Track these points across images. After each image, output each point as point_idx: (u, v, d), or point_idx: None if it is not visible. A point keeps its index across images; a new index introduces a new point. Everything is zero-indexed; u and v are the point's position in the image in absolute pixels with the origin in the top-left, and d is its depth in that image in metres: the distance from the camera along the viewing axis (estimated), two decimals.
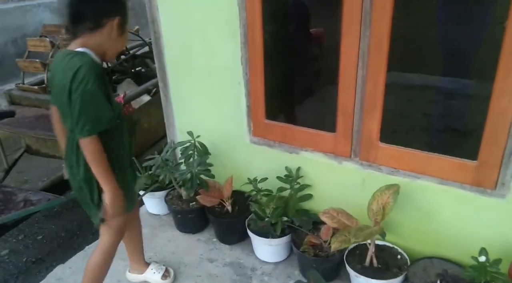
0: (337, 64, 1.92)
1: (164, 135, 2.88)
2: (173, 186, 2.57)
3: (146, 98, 3.64)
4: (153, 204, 2.72)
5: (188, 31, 2.34)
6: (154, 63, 2.73)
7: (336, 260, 2.03)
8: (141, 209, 2.80)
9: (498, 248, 1.79)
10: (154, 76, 2.90)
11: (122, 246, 2.41)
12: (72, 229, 3.06)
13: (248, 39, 2.12)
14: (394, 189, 1.88)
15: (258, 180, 2.28)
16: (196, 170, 2.31)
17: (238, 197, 2.44)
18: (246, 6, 2.05)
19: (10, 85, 4.37)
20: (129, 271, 2.24)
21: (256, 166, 2.42)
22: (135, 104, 3.46)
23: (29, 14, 6.24)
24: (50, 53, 3.26)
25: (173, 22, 2.38)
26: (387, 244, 2.08)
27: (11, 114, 2.91)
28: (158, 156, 2.43)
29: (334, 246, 1.79)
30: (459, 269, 1.89)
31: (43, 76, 3.29)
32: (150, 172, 2.52)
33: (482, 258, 1.66)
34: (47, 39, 3.35)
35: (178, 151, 2.52)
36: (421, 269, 1.93)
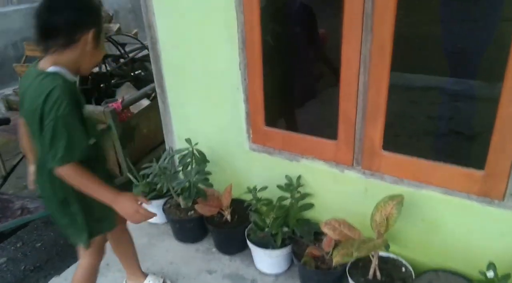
0: (338, 68, 1.86)
1: (164, 141, 2.82)
2: (171, 194, 2.51)
3: (145, 102, 3.59)
4: None
5: (185, 36, 2.28)
6: None
7: (338, 272, 1.96)
8: None
9: (506, 261, 1.72)
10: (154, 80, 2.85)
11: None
12: None
13: (246, 44, 2.06)
14: (397, 199, 1.81)
15: (258, 189, 2.22)
16: (194, 179, 2.25)
17: (238, 205, 2.38)
18: (244, 10, 1.99)
19: (9, 90, 4.34)
20: (126, 282, 2.19)
21: (256, 174, 2.36)
22: (135, 108, 3.41)
23: (29, 17, 6.20)
24: None
25: (170, 27, 2.32)
26: (391, 255, 2.01)
27: (6, 122, 2.87)
28: (155, 164, 2.37)
29: (336, 259, 1.73)
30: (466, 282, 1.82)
31: None
32: (147, 180, 2.47)
33: (490, 274, 1.60)
34: None
35: (176, 158, 2.46)
36: (426, 282, 1.86)
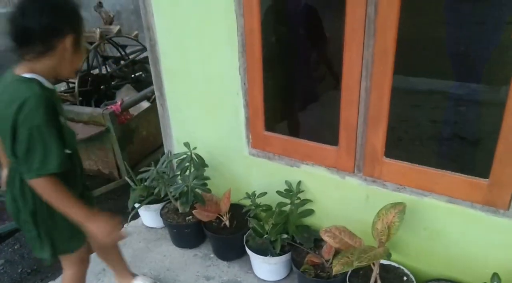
0: (340, 72, 1.82)
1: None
2: (169, 199, 2.47)
3: (145, 104, 3.57)
4: (149, 216, 2.63)
5: (184, 39, 2.25)
6: None
7: (338, 281, 1.92)
8: (137, 222, 2.72)
9: (511, 272, 1.68)
10: None
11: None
12: None
13: (246, 48, 2.02)
14: (399, 208, 1.77)
15: (257, 194, 2.18)
16: (191, 184, 2.21)
17: (237, 211, 2.34)
18: (244, 13, 1.95)
19: None
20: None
21: (255, 179, 2.32)
22: (134, 110, 3.39)
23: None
24: None
25: (169, 29, 2.29)
26: (393, 264, 1.97)
27: None
28: (153, 168, 2.34)
29: (336, 269, 1.69)
30: None
31: None
32: (145, 184, 2.43)
33: None
34: None
35: (175, 162, 2.43)
36: None
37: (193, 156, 2.31)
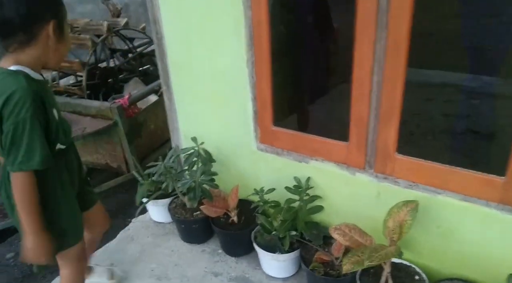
0: (350, 66, 1.76)
1: None
2: (177, 194, 2.45)
3: (153, 98, 3.54)
4: (156, 211, 2.62)
5: (191, 32, 2.20)
6: None
7: (348, 279, 1.88)
8: (145, 217, 2.71)
9: None
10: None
11: (134, 258, 2.34)
12: None
13: (254, 40, 1.97)
14: (412, 206, 1.72)
15: (265, 190, 2.15)
16: (199, 180, 2.19)
17: (245, 206, 2.31)
18: (251, 5, 1.90)
19: None
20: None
21: (263, 175, 2.28)
22: (142, 104, 3.36)
23: None
24: None
25: (176, 22, 2.24)
26: (404, 262, 1.93)
27: None
28: (160, 163, 2.31)
29: (346, 267, 1.65)
30: None
31: None
32: (153, 178, 2.41)
33: None
34: None
35: (182, 157, 2.40)
36: None
37: (200, 151, 2.28)
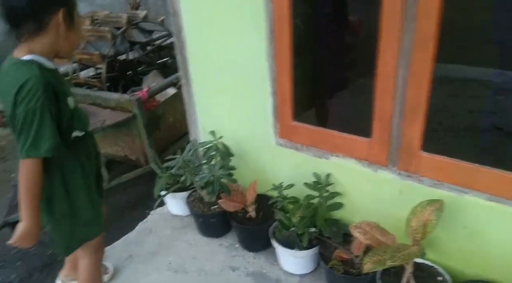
0: (374, 60, 1.71)
1: None
2: (195, 187, 2.45)
3: (171, 91, 3.54)
4: (175, 204, 2.62)
5: (210, 25, 2.17)
6: None
7: (368, 278, 1.85)
8: (163, 209, 2.72)
9: None
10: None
11: (152, 251, 2.36)
12: None
13: (274, 34, 1.93)
14: (437, 205, 1.67)
15: (284, 186, 2.12)
16: (217, 174, 2.17)
17: (263, 201, 2.29)
18: None
19: None
20: (61, 281, 2.10)
21: (282, 170, 2.25)
22: (161, 97, 3.37)
23: None
24: None
25: (195, 14, 2.22)
26: (427, 262, 1.88)
27: None
28: (179, 156, 2.31)
29: (367, 267, 1.61)
30: None
31: None
32: (171, 171, 2.41)
33: None
34: None
35: (201, 151, 2.39)
36: None
37: (219, 144, 2.26)
